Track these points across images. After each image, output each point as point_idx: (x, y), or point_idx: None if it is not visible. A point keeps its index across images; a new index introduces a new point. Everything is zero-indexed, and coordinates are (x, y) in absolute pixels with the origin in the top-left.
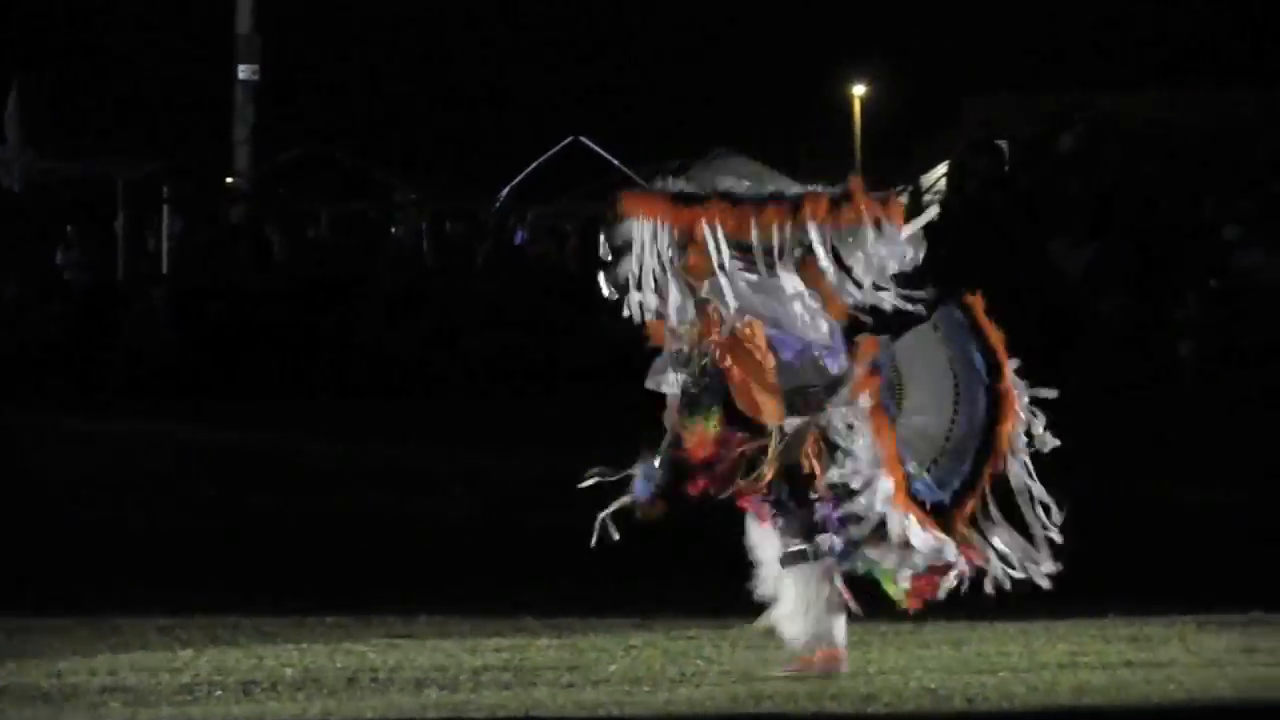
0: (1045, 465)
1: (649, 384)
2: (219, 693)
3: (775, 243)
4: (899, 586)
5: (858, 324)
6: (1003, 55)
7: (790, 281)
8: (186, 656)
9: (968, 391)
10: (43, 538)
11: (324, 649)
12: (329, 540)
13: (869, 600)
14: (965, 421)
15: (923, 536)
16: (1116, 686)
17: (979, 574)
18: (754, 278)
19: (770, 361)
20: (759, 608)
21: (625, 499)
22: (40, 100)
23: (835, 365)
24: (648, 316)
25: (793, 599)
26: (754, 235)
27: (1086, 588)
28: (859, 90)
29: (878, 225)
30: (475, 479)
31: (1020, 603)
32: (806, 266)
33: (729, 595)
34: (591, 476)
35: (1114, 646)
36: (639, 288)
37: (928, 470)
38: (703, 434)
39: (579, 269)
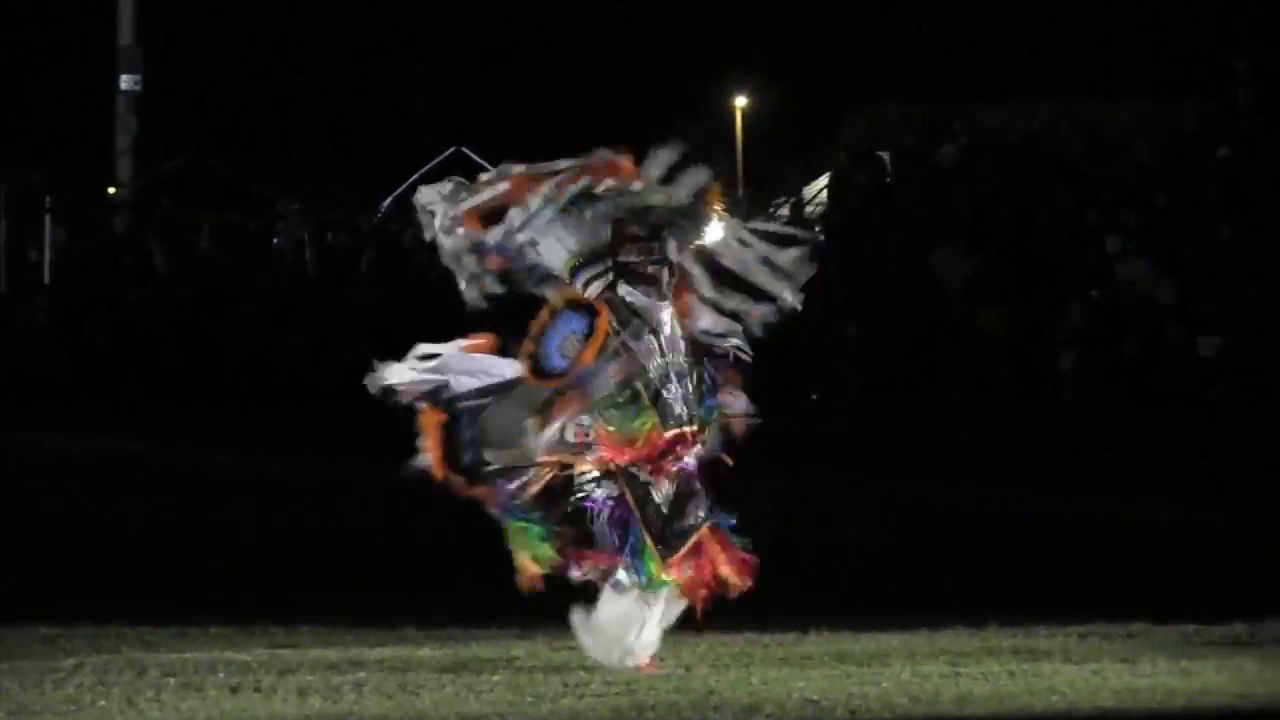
0: (925, 475)
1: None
2: (102, 703)
3: None
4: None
5: None
6: (884, 67)
7: None
8: (69, 666)
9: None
10: None
11: (206, 658)
12: (211, 550)
13: (750, 614)
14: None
15: None
16: (999, 697)
17: None
18: None
19: None
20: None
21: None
22: None
23: None
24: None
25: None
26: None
27: (968, 599)
28: (741, 101)
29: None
30: (357, 489)
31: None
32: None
33: None
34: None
35: (996, 657)
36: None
37: None
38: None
39: None
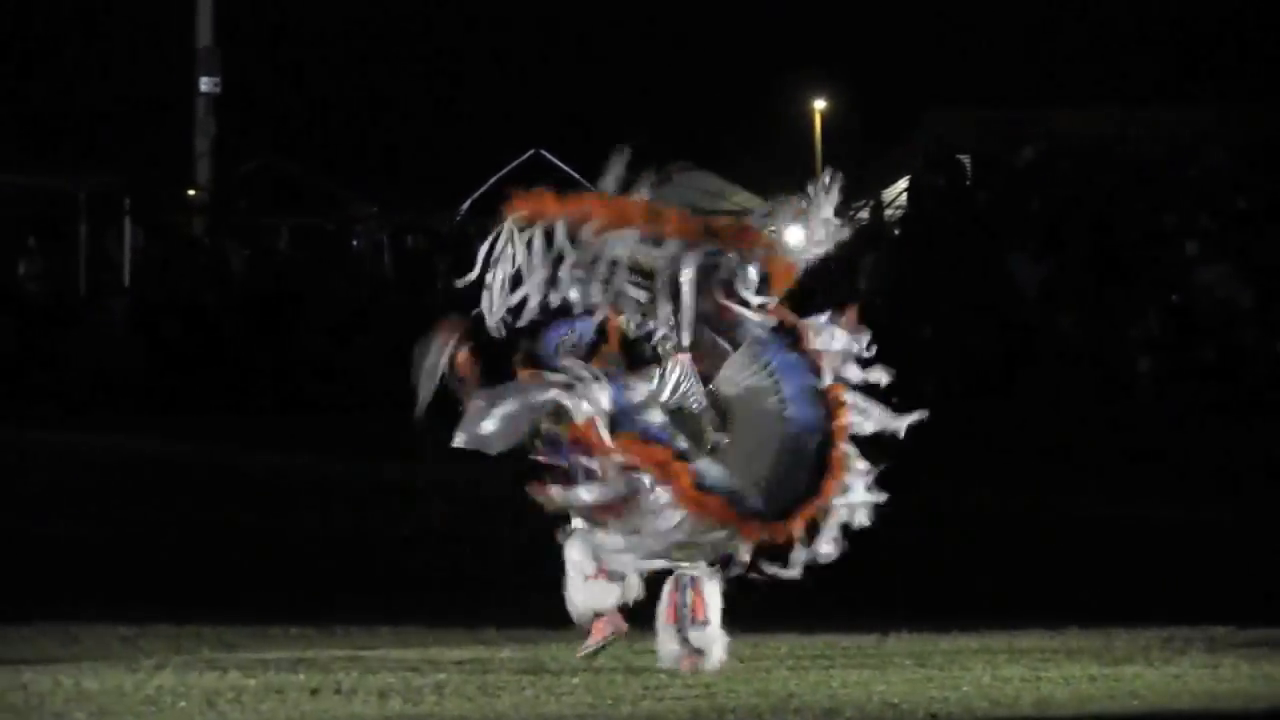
0: (1005, 479)
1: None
2: (182, 704)
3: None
4: None
5: None
6: (961, 70)
7: None
8: (150, 667)
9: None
10: (1, 549)
11: (287, 659)
12: (290, 552)
13: (831, 615)
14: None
15: None
16: (1079, 700)
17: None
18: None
19: None
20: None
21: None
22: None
23: None
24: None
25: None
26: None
27: (1046, 602)
28: (820, 104)
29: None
30: (436, 493)
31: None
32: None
33: None
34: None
35: (1076, 661)
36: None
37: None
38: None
39: None
